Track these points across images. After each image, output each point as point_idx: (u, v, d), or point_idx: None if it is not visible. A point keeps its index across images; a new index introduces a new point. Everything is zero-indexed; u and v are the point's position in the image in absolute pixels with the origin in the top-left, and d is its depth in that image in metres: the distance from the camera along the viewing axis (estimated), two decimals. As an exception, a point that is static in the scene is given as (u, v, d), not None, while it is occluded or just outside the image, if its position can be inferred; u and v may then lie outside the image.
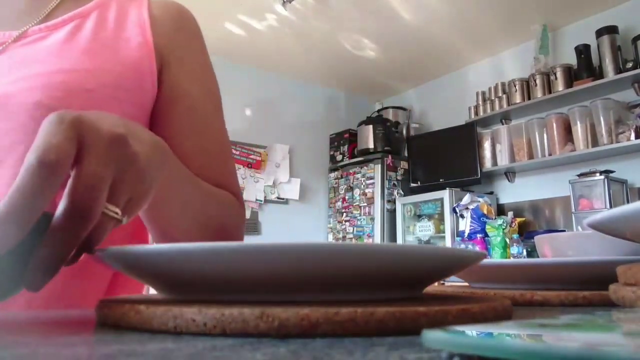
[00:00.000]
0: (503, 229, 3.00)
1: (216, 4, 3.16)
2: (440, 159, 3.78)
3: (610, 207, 2.73)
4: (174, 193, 0.47)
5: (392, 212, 3.81)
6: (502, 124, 3.53)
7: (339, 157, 4.28)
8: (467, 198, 3.29)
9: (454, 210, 3.38)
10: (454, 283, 1.06)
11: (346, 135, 4.28)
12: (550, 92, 3.17)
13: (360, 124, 4.12)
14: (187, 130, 0.59)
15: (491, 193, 3.62)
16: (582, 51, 3.06)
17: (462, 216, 3.30)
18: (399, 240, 3.70)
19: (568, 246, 0.63)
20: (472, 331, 0.16)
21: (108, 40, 0.56)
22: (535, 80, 3.24)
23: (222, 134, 0.64)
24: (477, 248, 2.99)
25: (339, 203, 4.11)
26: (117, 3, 0.60)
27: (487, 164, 3.54)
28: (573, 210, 2.93)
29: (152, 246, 0.26)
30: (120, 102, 0.54)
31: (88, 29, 0.56)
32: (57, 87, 0.50)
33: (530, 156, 3.29)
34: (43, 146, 0.26)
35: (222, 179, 0.60)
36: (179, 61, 0.61)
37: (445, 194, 3.47)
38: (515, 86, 3.37)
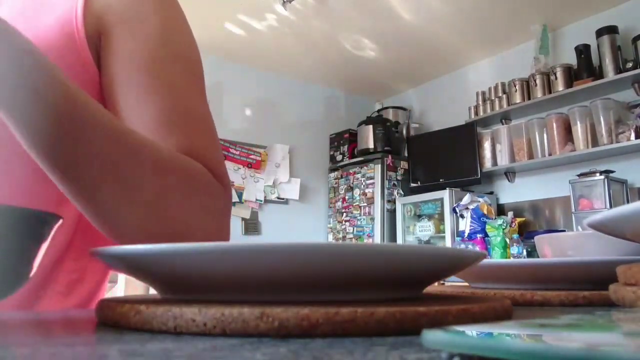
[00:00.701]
0: (503, 229, 3.00)
1: (216, 4, 3.15)
2: (440, 159, 3.78)
3: (610, 207, 2.73)
4: (84, 137, 0.38)
5: (392, 212, 3.81)
6: (502, 124, 3.53)
7: (339, 157, 4.28)
8: (467, 198, 3.29)
9: (454, 210, 3.38)
10: (454, 283, 1.06)
11: (346, 135, 4.28)
12: (550, 92, 3.17)
13: (360, 124, 4.12)
14: (144, 96, 0.50)
15: (491, 193, 3.62)
16: (582, 51, 3.06)
17: (462, 216, 3.30)
18: (399, 240, 3.70)
19: (568, 246, 0.63)
20: (472, 331, 0.16)
21: (28, 8, 0.50)
22: (535, 80, 3.24)
23: (195, 99, 0.54)
24: (477, 248, 2.99)
25: (339, 203, 4.11)
26: None
27: (487, 164, 3.54)
28: (573, 210, 2.93)
29: (152, 246, 0.26)
30: None
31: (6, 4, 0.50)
32: None
33: (530, 156, 3.29)
34: None
35: (194, 149, 0.49)
36: (127, 25, 0.52)
37: (445, 194, 3.48)
38: (515, 86, 3.37)
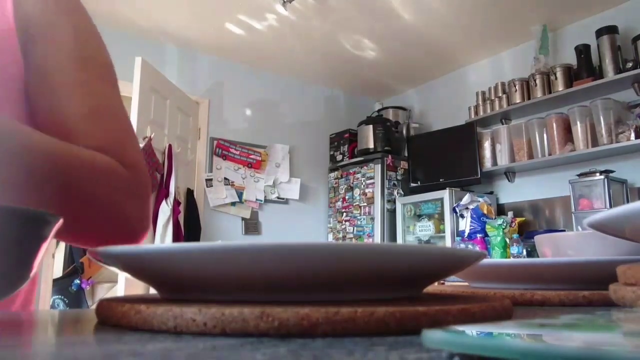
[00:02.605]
0: (503, 229, 3.00)
1: (216, 4, 3.15)
2: (440, 159, 3.78)
3: (610, 207, 2.73)
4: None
5: (392, 212, 3.81)
6: (502, 124, 3.53)
7: (339, 157, 4.28)
8: (467, 198, 3.29)
9: (454, 210, 3.38)
10: (454, 283, 1.06)
11: (346, 135, 4.28)
12: (550, 92, 3.17)
13: (360, 124, 4.12)
14: (65, 101, 0.56)
15: (491, 193, 3.62)
16: (582, 51, 3.06)
17: (462, 216, 3.30)
18: (399, 240, 3.70)
19: (568, 246, 0.63)
20: (472, 331, 0.16)
21: None
22: (535, 80, 3.24)
23: (108, 97, 0.60)
24: (477, 248, 2.98)
25: (339, 203, 4.11)
26: None
27: (487, 164, 3.54)
28: (573, 210, 2.93)
29: (152, 246, 0.26)
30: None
31: None
32: None
33: (530, 156, 3.29)
34: None
35: (108, 145, 0.55)
36: (45, 34, 0.57)
37: (445, 194, 3.48)
38: (515, 86, 3.37)
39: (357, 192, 3.97)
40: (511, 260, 0.50)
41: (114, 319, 0.26)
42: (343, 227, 4.05)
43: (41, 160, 0.47)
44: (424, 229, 3.67)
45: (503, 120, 3.54)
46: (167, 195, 3.04)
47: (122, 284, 2.80)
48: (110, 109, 0.59)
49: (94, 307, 0.37)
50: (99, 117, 0.57)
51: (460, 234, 3.31)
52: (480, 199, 3.23)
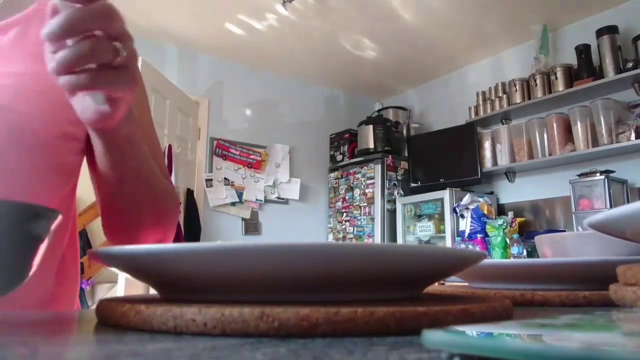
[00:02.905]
0: (503, 229, 3.00)
1: (216, 4, 3.15)
2: (441, 159, 3.78)
3: (610, 207, 2.73)
4: (133, 147, 0.56)
5: (392, 212, 3.81)
6: (502, 124, 3.53)
7: (339, 157, 4.28)
8: (467, 198, 3.29)
9: (454, 210, 3.37)
10: (454, 283, 1.06)
11: (346, 135, 4.28)
12: (550, 92, 3.17)
13: (360, 124, 4.12)
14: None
15: (491, 193, 3.62)
16: (582, 51, 3.06)
17: (462, 216, 3.30)
18: (399, 240, 3.70)
19: (568, 246, 0.63)
20: (472, 331, 0.16)
21: None
22: (535, 80, 3.24)
23: (155, 136, 0.74)
24: (477, 248, 2.98)
25: (339, 203, 4.11)
26: None
27: (487, 164, 3.54)
28: (573, 210, 2.93)
29: (153, 246, 0.26)
30: (70, 105, 0.56)
31: (32, 34, 0.58)
32: (9, 89, 0.53)
33: (531, 156, 3.29)
34: None
35: (163, 171, 0.69)
36: None
37: (445, 194, 3.47)
38: (515, 86, 3.36)
39: (357, 192, 3.97)
40: (511, 260, 0.50)
41: (114, 319, 0.26)
42: (343, 227, 4.05)
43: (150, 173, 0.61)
44: (424, 229, 3.67)
45: (503, 120, 3.54)
46: (167, 195, 3.04)
47: (122, 284, 2.79)
48: (157, 141, 0.73)
49: (94, 307, 0.37)
50: (154, 150, 0.68)
51: (460, 234, 3.31)
52: (481, 199, 3.23)
